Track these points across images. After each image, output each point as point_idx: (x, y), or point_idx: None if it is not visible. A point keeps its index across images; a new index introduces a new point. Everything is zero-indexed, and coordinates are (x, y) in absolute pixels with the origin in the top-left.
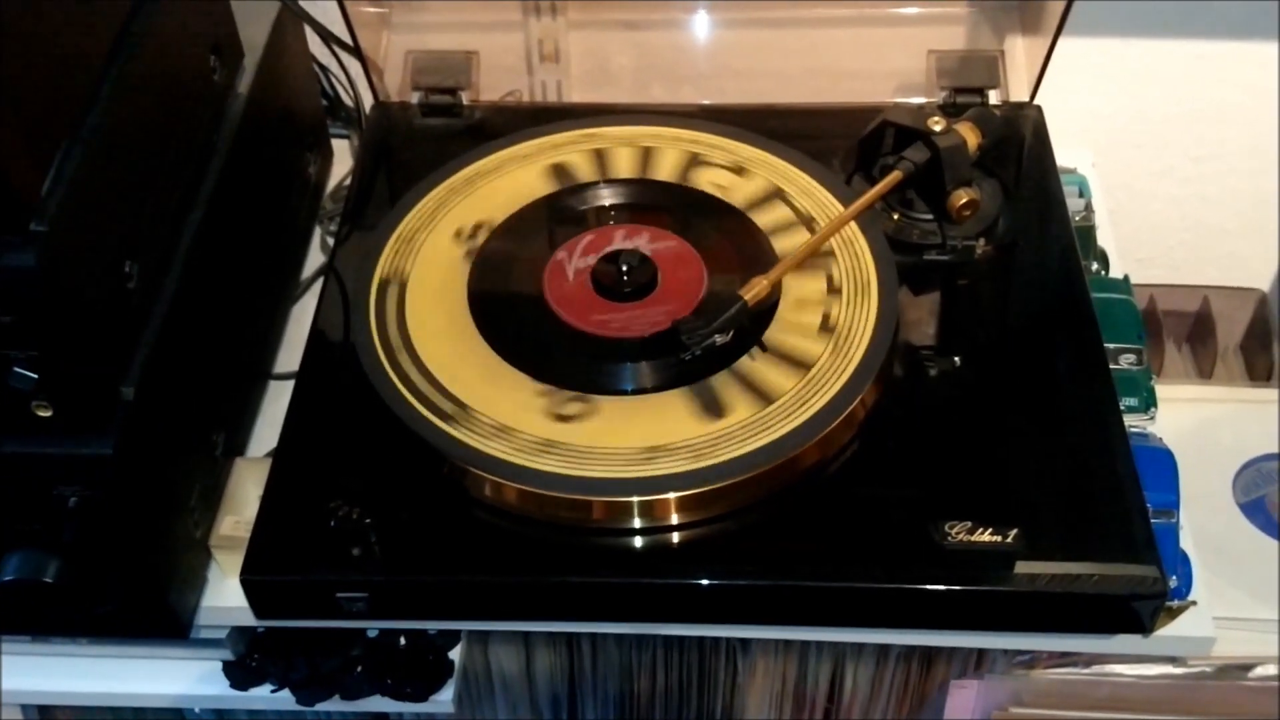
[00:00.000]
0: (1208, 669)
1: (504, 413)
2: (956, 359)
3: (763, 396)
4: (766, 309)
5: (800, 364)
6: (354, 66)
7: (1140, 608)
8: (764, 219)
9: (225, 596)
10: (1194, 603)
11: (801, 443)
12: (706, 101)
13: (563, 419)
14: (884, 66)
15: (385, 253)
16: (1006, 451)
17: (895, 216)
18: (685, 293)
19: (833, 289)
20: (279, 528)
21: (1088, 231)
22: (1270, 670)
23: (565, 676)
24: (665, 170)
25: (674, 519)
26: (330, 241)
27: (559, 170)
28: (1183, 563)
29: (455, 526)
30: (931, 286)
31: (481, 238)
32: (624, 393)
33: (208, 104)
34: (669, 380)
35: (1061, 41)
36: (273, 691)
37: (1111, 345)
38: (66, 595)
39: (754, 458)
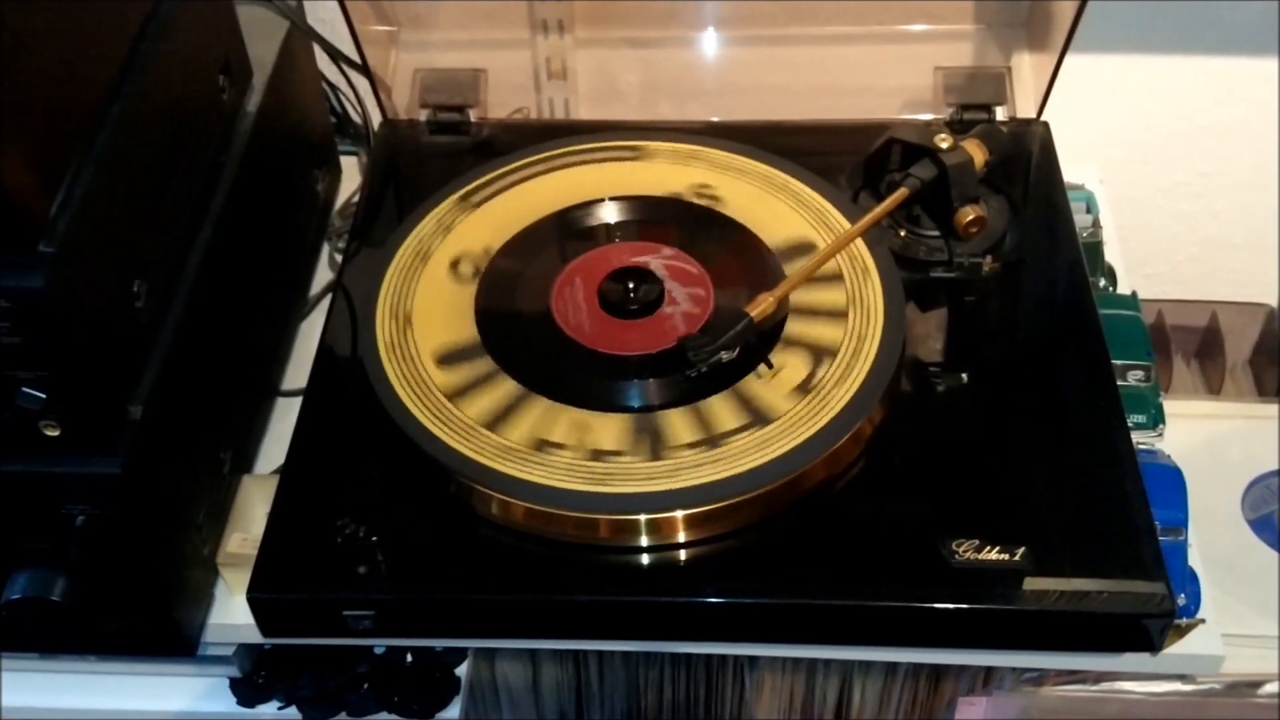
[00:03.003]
0: (1217, 686)
1: (511, 430)
2: (964, 376)
3: (769, 413)
4: (772, 326)
5: (807, 380)
6: (362, 84)
7: (1149, 626)
8: (770, 235)
9: (232, 614)
10: (1203, 620)
11: (808, 460)
12: (714, 118)
13: (569, 436)
14: (891, 83)
15: (393, 270)
16: (1014, 469)
17: (902, 233)
18: (693, 309)
19: (839, 306)
20: (286, 545)
21: (1095, 247)
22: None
23: (572, 693)
24: (672, 187)
25: (681, 537)
26: (338, 258)
27: (566, 187)
28: (1191, 580)
29: (462, 544)
30: (938, 303)
31: (489, 255)
32: (630, 410)
33: (217, 123)
34: (676, 398)
35: (1068, 58)
36: (280, 708)
37: (1119, 362)
38: (74, 613)
39: (761, 475)
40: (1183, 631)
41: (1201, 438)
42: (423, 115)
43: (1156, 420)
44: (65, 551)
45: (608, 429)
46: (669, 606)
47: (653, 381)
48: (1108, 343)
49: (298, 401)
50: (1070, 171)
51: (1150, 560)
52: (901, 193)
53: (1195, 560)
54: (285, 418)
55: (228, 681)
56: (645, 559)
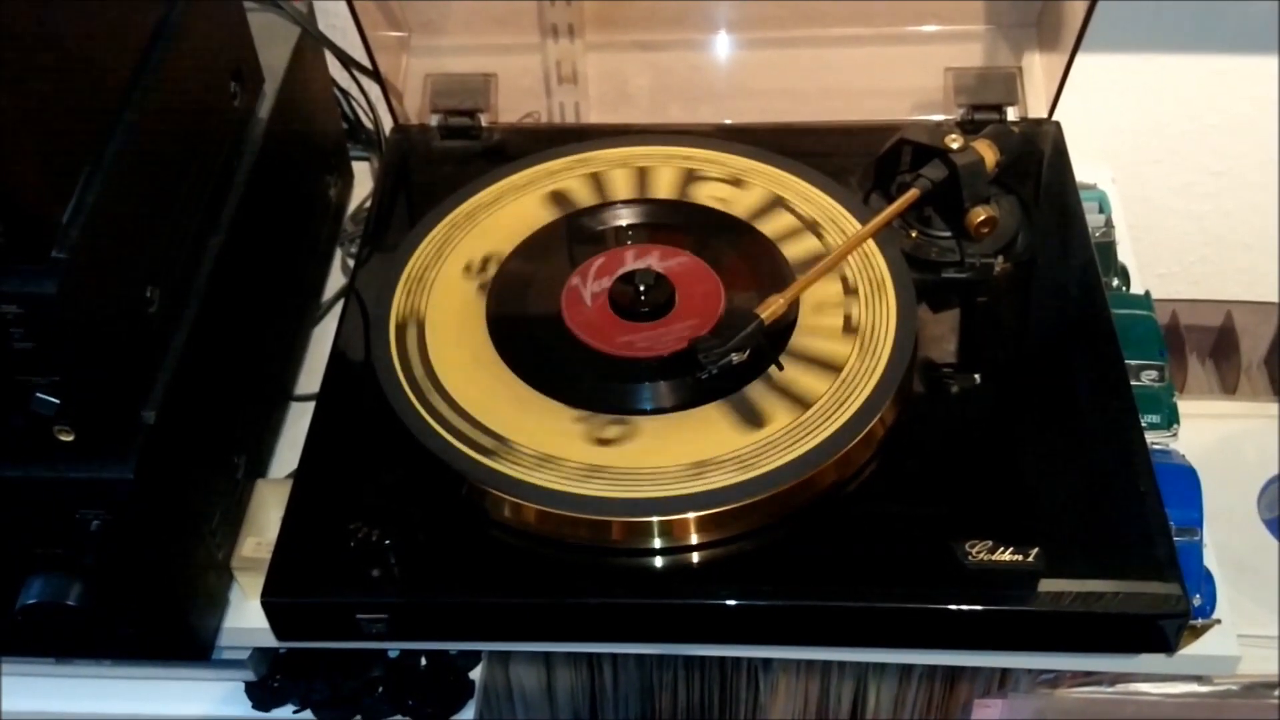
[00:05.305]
0: (1233, 687)
1: (521, 433)
2: (976, 376)
3: (782, 415)
4: (784, 327)
5: (818, 382)
6: (374, 90)
7: (1164, 626)
8: (781, 237)
9: (247, 618)
10: (1218, 621)
11: (821, 462)
12: (724, 121)
13: (581, 439)
14: (901, 84)
15: (405, 275)
16: (1027, 470)
17: (913, 234)
18: (703, 311)
19: (851, 307)
20: (300, 549)
21: (1108, 247)
22: None
23: (586, 696)
24: (683, 190)
25: (693, 539)
26: (351, 263)
27: (576, 192)
28: (1206, 581)
29: (474, 547)
30: (950, 304)
31: (500, 259)
32: (642, 412)
33: (228, 129)
34: (687, 400)
35: (1079, 57)
36: (295, 712)
37: (1133, 362)
38: (89, 618)
39: (774, 477)
40: (1198, 632)
41: (1216, 437)
42: (434, 120)
43: (1171, 420)
44: (80, 556)
45: (620, 432)
46: (682, 609)
47: (664, 384)
48: (1121, 343)
49: (311, 406)
50: (1082, 171)
51: (1165, 561)
52: (912, 194)
53: (1210, 560)
54: (298, 422)
55: (243, 685)
56: (658, 561)
